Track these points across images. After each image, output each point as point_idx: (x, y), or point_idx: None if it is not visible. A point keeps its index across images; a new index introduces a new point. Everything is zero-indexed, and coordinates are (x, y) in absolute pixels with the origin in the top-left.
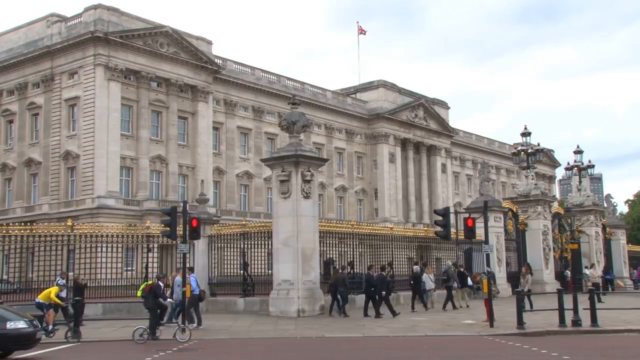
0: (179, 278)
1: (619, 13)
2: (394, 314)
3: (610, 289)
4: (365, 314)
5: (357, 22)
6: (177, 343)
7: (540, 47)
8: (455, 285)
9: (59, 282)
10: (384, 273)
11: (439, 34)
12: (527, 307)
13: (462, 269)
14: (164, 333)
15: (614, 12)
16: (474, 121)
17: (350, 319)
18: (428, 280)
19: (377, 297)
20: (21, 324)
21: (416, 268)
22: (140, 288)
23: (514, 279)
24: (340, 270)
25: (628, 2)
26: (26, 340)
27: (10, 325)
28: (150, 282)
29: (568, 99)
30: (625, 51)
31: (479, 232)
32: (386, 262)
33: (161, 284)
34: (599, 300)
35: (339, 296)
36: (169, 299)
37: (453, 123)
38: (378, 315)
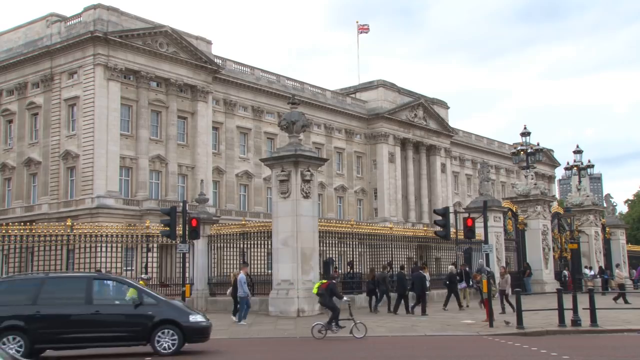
0: (242, 275)
1: (621, 12)
2: (424, 313)
3: (609, 289)
4: (408, 311)
5: (357, 22)
6: None
7: (542, 46)
8: (463, 285)
9: (143, 277)
10: (422, 272)
11: (440, 33)
12: (501, 310)
13: (467, 269)
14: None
15: (616, 11)
16: (475, 120)
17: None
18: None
19: (417, 296)
20: (199, 318)
21: (451, 267)
22: (316, 286)
23: (513, 278)
24: (381, 270)
25: (631, 1)
26: (205, 333)
27: (192, 318)
28: (324, 281)
29: (569, 98)
30: (627, 50)
31: (479, 232)
32: (386, 262)
33: (334, 282)
34: (626, 302)
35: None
36: (345, 297)
37: (454, 122)
38: (424, 313)
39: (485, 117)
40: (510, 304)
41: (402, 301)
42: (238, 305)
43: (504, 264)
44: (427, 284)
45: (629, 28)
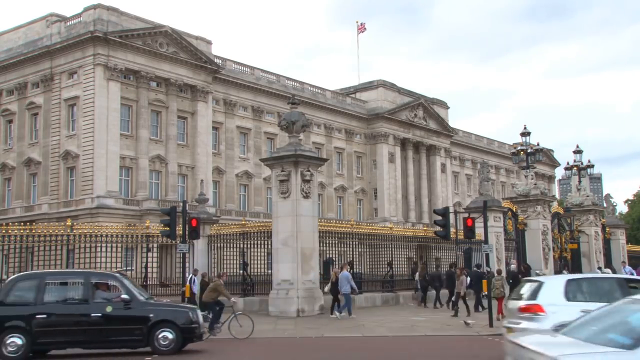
0: (346, 272)
1: (628, 9)
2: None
3: None
4: (443, 306)
5: (357, 22)
6: None
7: (547, 45)
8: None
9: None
10: (478, 270)
11: (444, 31)
12: (465, 312)
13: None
14: None
15: (622, 8)
16: (478, 120)
17: (351, 318)
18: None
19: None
20: None
21: (513, 267)
22: None
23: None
24: (435, 268)
25: None
26: None
27: None
28: None
29: (572, 98)
30: (632, 49)
31: (479, 232)
32: (391, 261)
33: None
34: None
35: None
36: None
37: (457, 122)
38: (477, 309)
39: (489, 116)
40: (467, 305)
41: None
42: (338, 302)
43: (461, 265)
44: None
45: (635, 26)
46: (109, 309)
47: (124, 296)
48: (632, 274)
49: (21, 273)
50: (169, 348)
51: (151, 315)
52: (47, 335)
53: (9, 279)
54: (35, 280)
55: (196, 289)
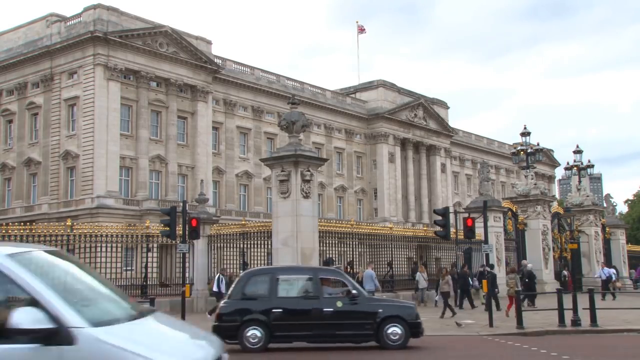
0: (370, 271)
1: (630, 9)
2: (498, 309)
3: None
4: (473, 306)
5: (357, 22)
6: None
7: (547, 45)
8: (477, 284)
9: None
10: (488, 269)
11: (445, 31)
12: (448, 314)
13: (481, 269)
14: None
15: (624, 7)
16: (478, 120)
17: None
18: (421, 279)
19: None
20: None
21: (530, 266)
22: None
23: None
24: (461, 268)
25: None
26: None
27: None
28: None
29: (573, 97)
30: (633, 48)
31: (479, 232)
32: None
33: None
34: None
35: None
36: None
37: (458, 122)
38: (498, 309)
39: (489, 116)
40: (450, 307)
41: (466, 296)
42: None
43: (446, 266)
44: (425, 284)
45: (636, 26)
46: (339, 304)
47: (354, 291)
48: (609, 276)
49: (252, 269)
50: (398, 343)
51: (380, 310)
52: (282, 328)
53: (242, 274)
54: (267, 276)
55: (224, 287)
